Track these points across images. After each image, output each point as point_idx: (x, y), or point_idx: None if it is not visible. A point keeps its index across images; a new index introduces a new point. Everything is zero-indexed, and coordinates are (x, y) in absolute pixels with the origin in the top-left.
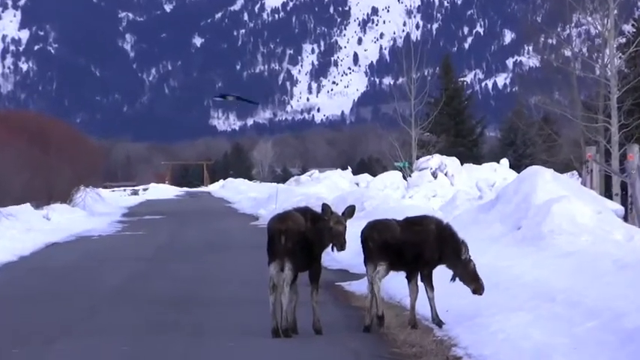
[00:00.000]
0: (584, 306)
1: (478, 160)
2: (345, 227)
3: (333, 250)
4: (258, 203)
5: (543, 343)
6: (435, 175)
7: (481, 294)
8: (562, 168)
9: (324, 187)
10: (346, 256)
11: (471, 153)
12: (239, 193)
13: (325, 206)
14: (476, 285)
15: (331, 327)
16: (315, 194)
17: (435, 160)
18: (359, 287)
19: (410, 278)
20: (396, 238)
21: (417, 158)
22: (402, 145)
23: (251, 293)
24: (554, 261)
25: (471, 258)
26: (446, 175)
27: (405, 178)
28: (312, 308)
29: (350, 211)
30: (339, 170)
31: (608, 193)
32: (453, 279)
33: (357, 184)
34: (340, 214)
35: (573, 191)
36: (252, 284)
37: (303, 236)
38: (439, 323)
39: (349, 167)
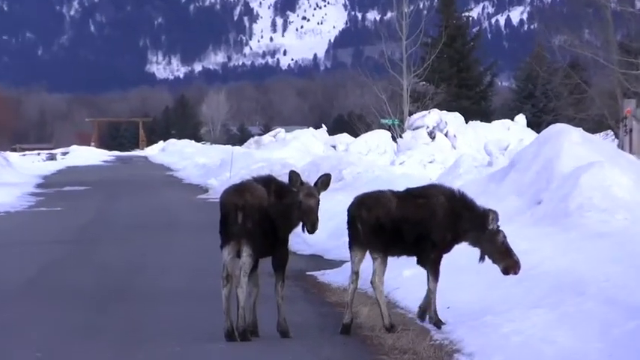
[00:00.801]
0: (621, 302)
1: (487, 117)
2: (318, 201)
3: (303, 230)
4: (209, 171)
5: (570, 349)
6: (432, 135)
7: (516, 273)
8: (593, 126)
9: (292, 151)
10: (320, 238)
11: (478, 108)
12: (184, 158)
13: (293, 175)
14: (507, 262)
15: (301, 328)
16: (280, 160)
17: (432, 116)
18: (336, 277)
19: (423, 262)
20: (391, 215)
21: (410, 114)
22: (390, 98)
23: (199, 286)
24: (584, 244)
25: (500, 227)
26: (446, 135)
27: (394, 139)
28: (276, 305)
29: (324, 182)
30: (310, 129)
31: None
32: (481, 259)
33: (334, 147)
34: (312, 184)
35: (608, 156)
36: (201, 274)
37: (265, 213)
38: (438, 323)
39: (324, 125)
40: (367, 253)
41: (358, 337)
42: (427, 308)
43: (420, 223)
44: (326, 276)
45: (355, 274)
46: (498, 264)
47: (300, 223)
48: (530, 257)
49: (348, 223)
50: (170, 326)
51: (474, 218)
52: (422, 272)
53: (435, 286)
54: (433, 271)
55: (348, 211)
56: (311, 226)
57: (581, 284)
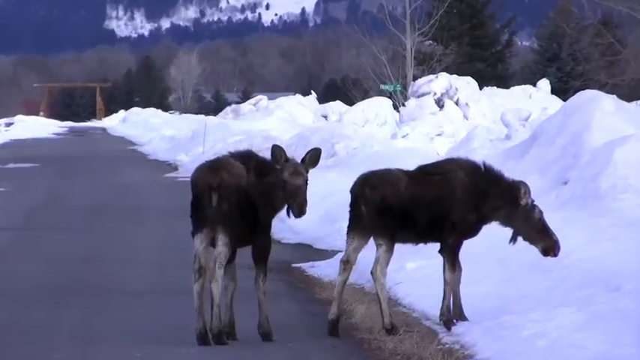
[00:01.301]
0: None
1: (505, 82)
2: (307, 181)
3: (289, 214)
4: (178, 145)
5: (603, 355)
6: (440, 103)
7: (556, 254)
8: (629, 93)
9: (275, 122)
10: (308, 224)
11: (494, 71)
12: (149, 129)
13: (277, 149)
14: (546, 241)
15: (286, 329)
16: (262, 132)
17: (440, 81)
18: (327, 270)
19: (441, 247)
20: (400, 195)
21: (415, 79)
22: (391, 60)
23: (166, 280)
24: (618, 232)
25: (535, 203)
26: (457, 103)
27: (396, 108)
28: (257, 302)
29: (313, 157)
30: (297, 96)
31: None
32: (513, 239)
33: (326, 118)
34: (299, 161)
35: None
36: (169, 266)
37: (244, 194)
38: (448, 323)
39: (313, 92)
40: (366, 243)
41: (353, 339)
42: (448, 307)
43: (436, 202)
44: (315, 268)
45: (345, 262)
46: (536, 244)
47: (286, 207)
48: None
49: (351, 204)
50: (132, 327)
51: (502, 193)
52: (428, 264)
53: (450, 276)
54: (449, 259)
55: (351, 191)
56: (298, 210)
57: (615, 279)
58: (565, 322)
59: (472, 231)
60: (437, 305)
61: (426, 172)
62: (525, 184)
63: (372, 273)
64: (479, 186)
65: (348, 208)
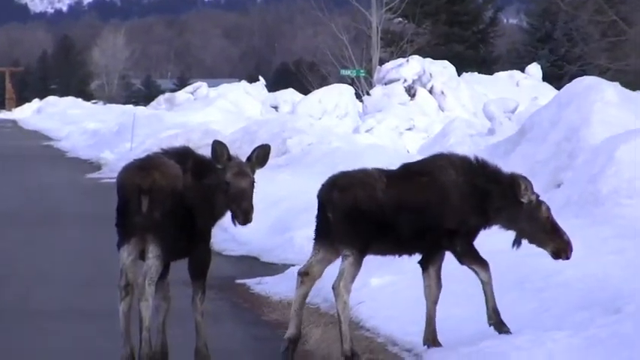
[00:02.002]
0: None
1: (488, 68)
2: (253, 183)
3: (233, 222)
4: (102, 141)
5: None
6: (411, 92)
7: (567, 257)
8: (636, 81)
9: (217, 113)
10: (255, 233)
11: (475, 54)
12: (68, 122)
13: (218, 146)
14: (557, 242)
15: (229, 357)
16: (201, 125)
17: (412, 66)
18: (277, 287)
19: (426, 265)
20: (377, 200)
21: (382, 63)
22: (354, 41)
23: (87, 300)
24: (621, 244)
25: (540, 199)
26: (431, 92)
27: (359, 97)
28: (194, 325)
29: (261, 155)
30: (243, 83)
31: None
32: (517, 243)
33: (276, 108)
34: (245, 160)
35: None
36: (90, 284)
37: (180, 199)
38: (499, 326)
39: (262, 78)
40: (335, 257)
41: None
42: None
43: (426, 208)
44: (263, 285)
45: (304, 274)
46: (545, 247)
47: (229, 213)
48: (547, 261)
49: (318, 210)
50: (45, 354)
51: (504, 192)
52: (397, 280)
53: (486, 275)
54: (473, 261)
55: (318, 196)
56: (243, 216)
57: (616, 299)
58: (557, 349)
59: (470, 234)
60: (405, 329)
61: (411, 171)
62: (525, 179)
63: (333, 288)
64: (476, 185)
65: (316, 215)
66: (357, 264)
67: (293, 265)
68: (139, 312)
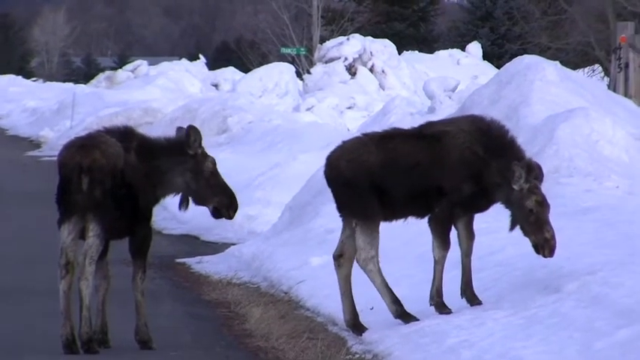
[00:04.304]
0: (611, 304)
1: (429, 46)
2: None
3: (180, 207)
4: (42, 119)
5: None
6: (352, 70)
7: (545, 255)
8: (576, 59)
9: (157, 91)
10: (195, 211)
11: (416, 33)
12: (7, 100)
13: (193, 131)
14: (537, 237)
15: (169, 336)
16: (141, 103)
17: (352, 44)
18: (217, 267)
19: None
20: (371, 163)
21: (322, 42)
22: (294, 19)
23: (26, 279)
24: (561, 223)
25: (537, 186)
26: (372, 70)
27: (299, 75)
28: (134, 304)
29: (191, 134)
30: (183, 61)
31: None
32: (512, 225)
33: (216, 87)
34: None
35: (595, 100)
36: (29, 263)
37: (121, 177)
38: (441, 307)
39: (202, 56)
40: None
41: (247, 348)
42: (466, 286)
43: (426, 170)
44: (203, 264)
45: (339, 257)
46: (528, 237)
47: (172, 195)
48: (486, 239)
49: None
50: None
51: (504, 168)
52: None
53: (440, 254)
54: (440, 232)
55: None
56: (233, 209)
57: (556, 278)
58: (496, 329)
59: (469, 206)
60: None
61: (411, 134)
62: (523, 166)
63: (357, 262)
64: (487, 147)
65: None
66: (369, 231)
67: (233, 244)
68: (79, 291)
